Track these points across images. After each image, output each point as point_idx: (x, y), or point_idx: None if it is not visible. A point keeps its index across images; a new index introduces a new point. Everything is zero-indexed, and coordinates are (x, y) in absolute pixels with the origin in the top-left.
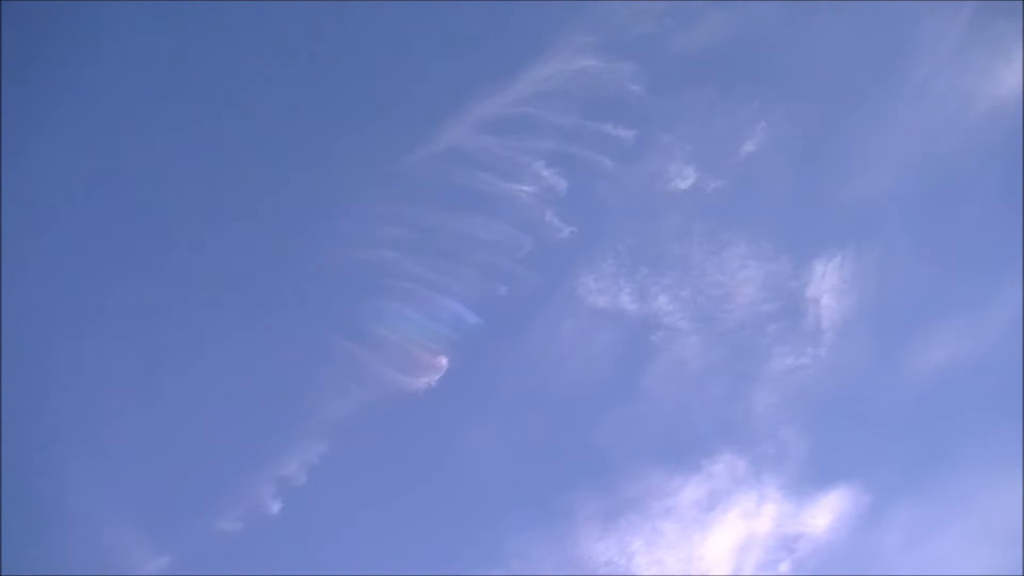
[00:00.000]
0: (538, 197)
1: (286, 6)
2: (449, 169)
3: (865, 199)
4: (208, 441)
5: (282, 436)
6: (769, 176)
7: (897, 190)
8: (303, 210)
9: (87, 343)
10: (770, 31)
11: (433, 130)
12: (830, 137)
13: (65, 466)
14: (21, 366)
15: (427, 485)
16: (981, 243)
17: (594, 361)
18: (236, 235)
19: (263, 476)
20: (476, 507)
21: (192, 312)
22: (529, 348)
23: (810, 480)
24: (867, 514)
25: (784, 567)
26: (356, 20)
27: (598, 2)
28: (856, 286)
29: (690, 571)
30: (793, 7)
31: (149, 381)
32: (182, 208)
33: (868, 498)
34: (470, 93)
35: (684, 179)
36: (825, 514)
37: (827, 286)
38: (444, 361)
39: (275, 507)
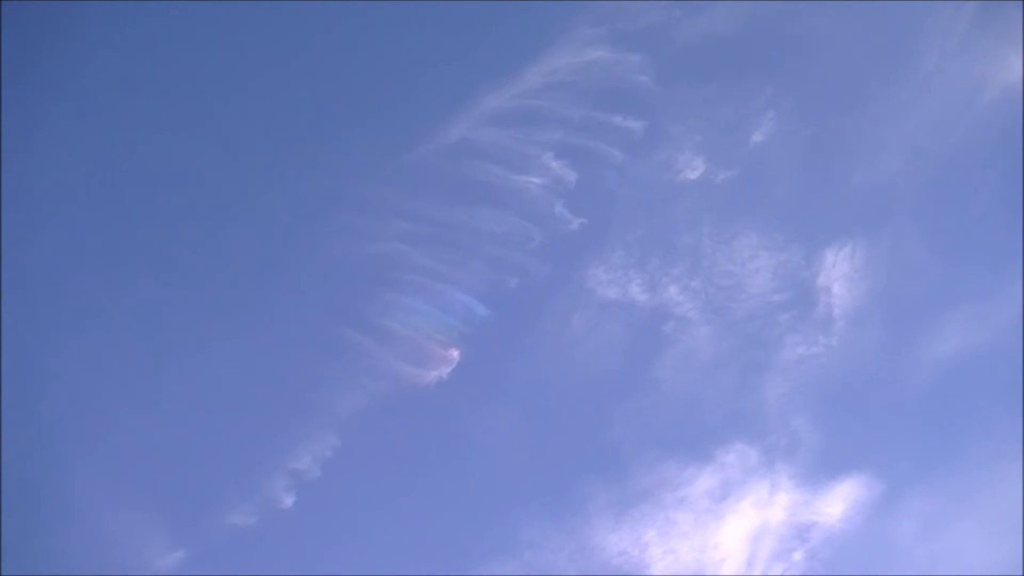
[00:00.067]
0: (547, 189)
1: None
2: (458, 162)
3: (875, 188)
4: (221, 436)
5: (294, 430)
6: (779, 166)
7: (907, 179)
8: (312, 204)
9: (98, 338)
10: (778, 21)
11: (442, 123)
12: (839, 127)
13: (77, 463)
14: (29, 360)
15: (439, 478)
16: (991, 232)
17: (605, 352)
18: (245, 230)
19: (276, 470)
20: (489, 499)
21: (203, 307)
22: (540, 340)
23: (823, 469)
24: (880, 503)
25: (797, 556)
26: (364, 14)
27: None
28: (867, 275)
29: (704, 561)
30: None
31: (161, 376)
32: (192, 203)
33: (881, 487)
34: (478, 86)
35: (693, 169)
36: (838, 503)
37: (838, 275)
38: (455, 354)
39: (288, 501)
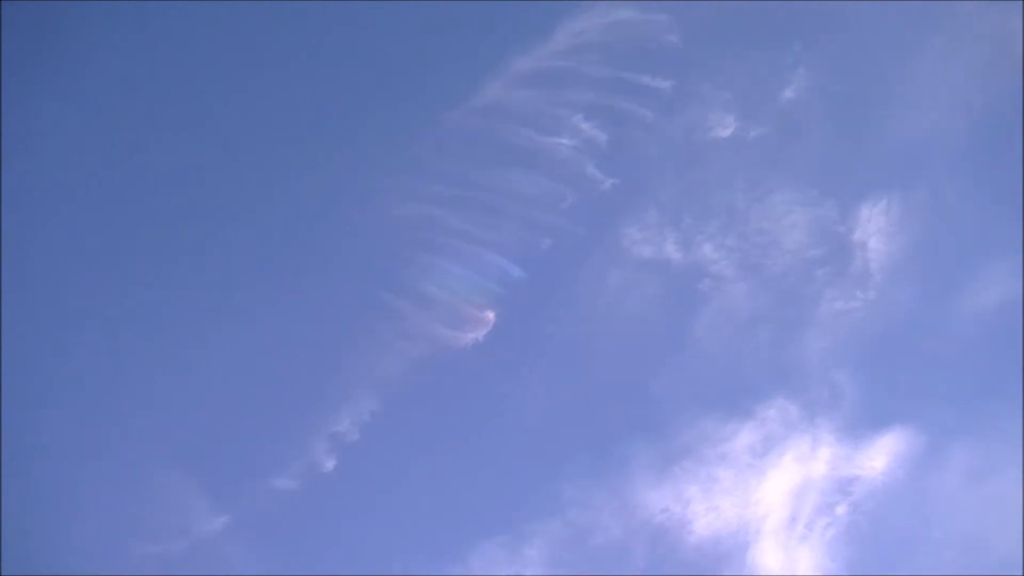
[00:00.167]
0: (578, 150)
1: None
2: (489, 124)
3: (910, 141)
4: (263, 401)
5: (334, 394)
6: (811, 122)
7: (942, 132)
8: (347, 171)
9: (145, 302)
10: None
11: (473, 86)
12: (871, 80)
13: (126, 428)
14: (74, 330)
15: (479, 439)
16: None
17: (642, 311)
18: (284, 198)
19: (317, 434)
20: (530, 459)
21: (245, 275)
22: (576, 300)
23: (864, 423)
24: (923, 455)
25: (840, 510)
26: None
27: None
28: (903, 229)
29: (746, 516)
30: None
31: (204, 344)
32: (236, 167)
33: (924, 439)
34: (508, 48)
35: (725, 127)
36: (881, 456)
37: (874, 229)
38: (491, 315)
39: (329, 464)
